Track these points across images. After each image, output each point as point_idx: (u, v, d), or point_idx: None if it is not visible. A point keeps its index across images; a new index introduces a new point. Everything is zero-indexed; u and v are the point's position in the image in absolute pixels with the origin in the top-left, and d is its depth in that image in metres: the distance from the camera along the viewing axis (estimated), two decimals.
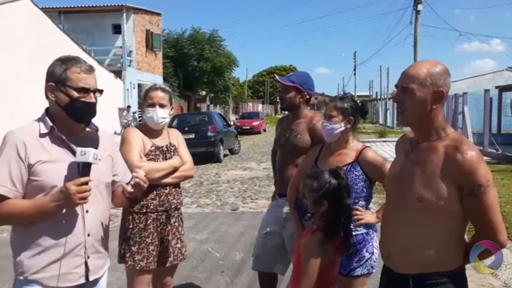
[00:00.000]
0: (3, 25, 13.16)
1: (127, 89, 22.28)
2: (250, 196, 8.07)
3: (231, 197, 8.03)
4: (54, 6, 21.80)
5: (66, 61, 1.74)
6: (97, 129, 1.87)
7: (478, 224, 1.60)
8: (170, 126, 3.48)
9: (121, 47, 22.27)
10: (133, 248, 2.52)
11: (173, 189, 2.62)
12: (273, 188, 3.30)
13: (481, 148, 12.25)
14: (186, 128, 12.75)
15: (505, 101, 19.30)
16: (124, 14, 22.09)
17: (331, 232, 1.99)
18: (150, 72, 25.39)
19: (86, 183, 1.65)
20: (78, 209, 1.73)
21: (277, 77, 2.91)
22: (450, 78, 1.65)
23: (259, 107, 56.08)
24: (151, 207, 2.54)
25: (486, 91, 13.50)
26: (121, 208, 2.53)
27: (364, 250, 2.31)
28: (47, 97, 1.75)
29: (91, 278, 1.79)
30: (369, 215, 2.31)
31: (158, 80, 24.36)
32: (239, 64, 37.42)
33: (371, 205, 2.50)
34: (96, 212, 1.80)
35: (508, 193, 6.94)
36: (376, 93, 50.20)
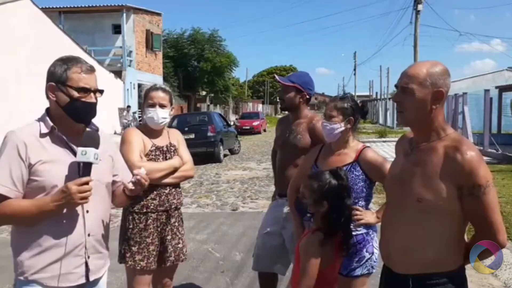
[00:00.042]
0: (3, 25, 13.17)
1: (127, 89, 22.28)
2: (250, 196, 8.07)
3: (231, 197, 8.03)
4: (54, 6, 21.82)
5: (67, 61, 1.74)
6: (97, 129, 1.87)
7: (478, 224, 1.60)
8: (170, 126, 3.48)
9: (121, 47, 22.27)
10: (133, 248, 2.52)
11: (173, 189, 2.62)
12: (273, 188, 3.30)
13: (481, 148, 12.25)
14: (186, 128, 12.75)
15: (505, 101, 19.32)
16: (124, 14, 22.09)
17: (331, 233, 1.99)
18: (150, 72, 25.39)
19: (87, 183, 1.65)
20: (79, 209, 1.73)
21: (277, 77, 2.91)
22: (450, 78, 1.65)
23: (259, 107, 56.09)
24: (151, 207, 2.54)
25: (486, 91, 13.50)
26: (121, 208, 2.53)
27: (364, 250, 2.31)
28: (47, 97, 1.76)
29: (91, 278, 1.80)
30: (369, 215, 2.31)
31: (158, 80, 24.37)
32: (239, 64, 37.47)
33: (371, 205, 2.51)
34: (97, 212, 1.80)
35: (508, 193, 6.94)
36: (376, 93, 50.27)
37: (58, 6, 22.10)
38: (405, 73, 1.65)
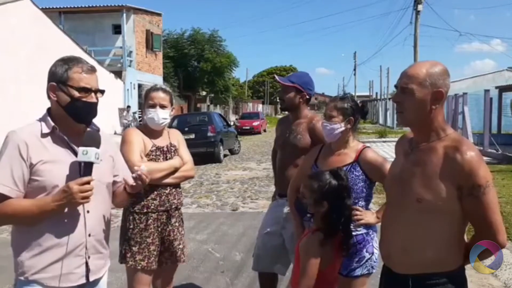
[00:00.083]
0: (3, 25, 13.17)
1: (127, 90, 22.28)
2: (250, 196, 8.07)
3: (231, 197, 8.03)
4: (54, 7, 21.82)
5: (68, 61, 1.74)
6: (98, 130, 1.87)
7: (478, 224, 1.60)
8: (170, 126, 3.48)
9: (121, 47, 22.27)
10: (134, 248, 2.52)
11: (174, 189, 2.63)
12: (273, 188, 3.30)
13: (481, 148, 12.25)
14: (186, 129, 12.75)
15: (505, 101, 19.32)
16: (124, 14, 22.09)
17: (331, 233, 1.99)
18: (150, 73, 25.39)
19: (88, 183, 1.65)
20: (80, 209, 1.73)
21: (276, 77, 2.91)
22: (450, 79, 1.65)
23: (259, 107, 56.09)
24: (152, 207, 2.54)
25: (486, 91, 13.51)
26: (122, 209, 2.53)
27: (364, 250, 2.31)
28: (49, 97, 1.76)
29: (91, 279, 1.80)
30: (369, 215, 2.32)
31: (158, 80, 24.37)
32: (239, 64, 37.45)
33: (371, 205, 2.51)
34: (97, 212, 1.81)
35: (508, 193, 6.94)
36: (376, 93, 50.26)
37: (58, 6, 22.11)
38: (405, 73, 1.65)
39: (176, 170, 2.60)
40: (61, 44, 15.56)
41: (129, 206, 2.51)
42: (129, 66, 22.58)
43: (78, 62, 1.74)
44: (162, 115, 2.57)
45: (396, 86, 1.69)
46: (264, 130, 29.69)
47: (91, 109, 1.77)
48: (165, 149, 2.61)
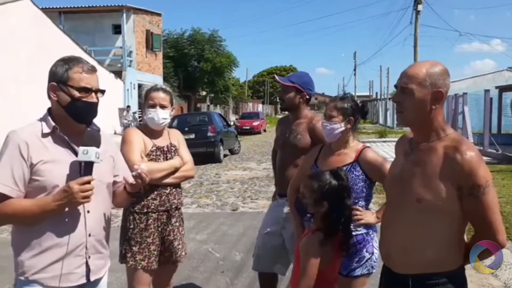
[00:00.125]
0: (3, 25, 13.18)
1: (127, 90, 22.28)
2: (250, 196, 8.07)
3: (231, 197, 8.03)
4: (54, 6, 21.83)
5: (68, 61, 1.74)
6: (98, 130, 1.87)
7: (478, 224, 1.60)
8: (170, 126, 3.48)
9: (121, 47, 22.27)
10: (134, 248, 2.52)
11: (174, 189, 2.63)
12: (273, 188, 3.30)
13: (481, 148, 12.25)
14: (186, 129, 12.75)
15: (505, 101, 19.32)
16: (124, 14, 22.09)
17: (331, 233, 1.99)
18: (150, 73, 25.40)
19: (88, 182, 1.65)
20: (80, 209, 1.73)
21: (276, 77, 2.91)
22: (450, 79, 1.65)
23: (259, 107, 56.08)
24: (152, 207, 2.54)
25: (486, 91, 13.51)
26: (122, 209, 2.54)
27: (364, 250, 2.31)
28: (49, 97, 1.76)
29: (92, 279, 1.80)
30: (369, 215, 2.32)
31: (158, 80, 24.37)
32: (239, 64, 37.45)
33: (371, 205, 2.51)
34: (98, 212, 1.81)
35: (508, 193, 6.94)
36: (376, 93, 50.24)
37: (58, 6, 22.12)
38: (405, 73, 1.65)
39: (176, 170, 2.60)
40: (61, 44, 15.56)
41: (129, 206, 2.51)
42: (129, 66, 22.59)
43: (78, 62, 1.74)
44: (162, 115, 2.57)
45: (396, 86, 1.69)
46: (264, 130, 29.69)
47: (92, 109, 1.77)
48: (165, 149, 2.61)
